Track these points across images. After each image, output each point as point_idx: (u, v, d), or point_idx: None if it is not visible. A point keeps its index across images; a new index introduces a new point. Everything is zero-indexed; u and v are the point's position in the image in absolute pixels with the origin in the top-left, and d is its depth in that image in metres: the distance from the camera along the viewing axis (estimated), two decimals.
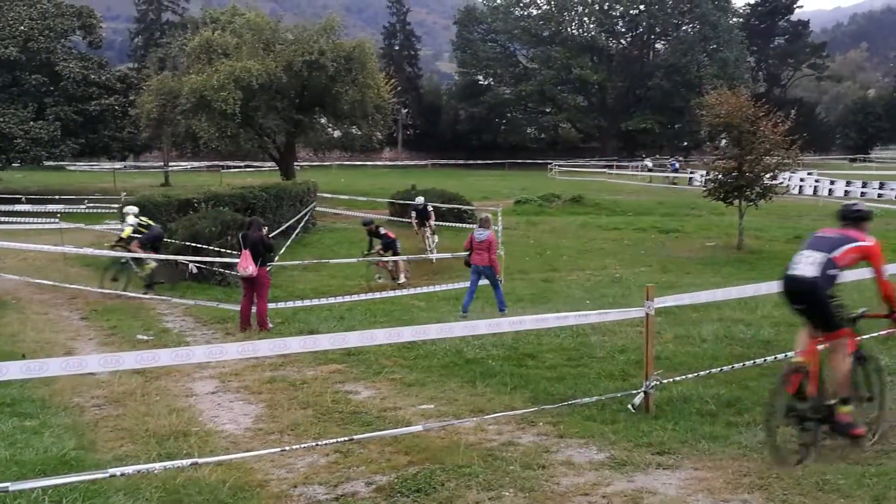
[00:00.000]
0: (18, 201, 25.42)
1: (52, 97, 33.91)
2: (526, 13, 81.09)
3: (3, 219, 21.75)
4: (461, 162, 68.42)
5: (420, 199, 22.51)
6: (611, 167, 57.82)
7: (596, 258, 21.41)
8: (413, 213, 22.29)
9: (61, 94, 33.99)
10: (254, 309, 11.91)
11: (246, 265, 11.76)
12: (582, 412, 7.08)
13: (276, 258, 17.06)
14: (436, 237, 21.57)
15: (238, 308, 12.23)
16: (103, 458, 6.11)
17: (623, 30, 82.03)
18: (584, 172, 55.51)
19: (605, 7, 78.87)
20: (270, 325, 11.75)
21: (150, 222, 15.98)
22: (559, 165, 59.26)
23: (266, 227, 12.93)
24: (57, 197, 27.34)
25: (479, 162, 68.10)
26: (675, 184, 46.57)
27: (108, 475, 5.28)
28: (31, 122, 32.29)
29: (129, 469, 5.46)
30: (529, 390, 7.96)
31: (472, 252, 13.54)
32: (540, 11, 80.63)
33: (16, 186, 37.19)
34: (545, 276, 18.59)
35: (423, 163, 68.99)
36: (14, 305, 13.49)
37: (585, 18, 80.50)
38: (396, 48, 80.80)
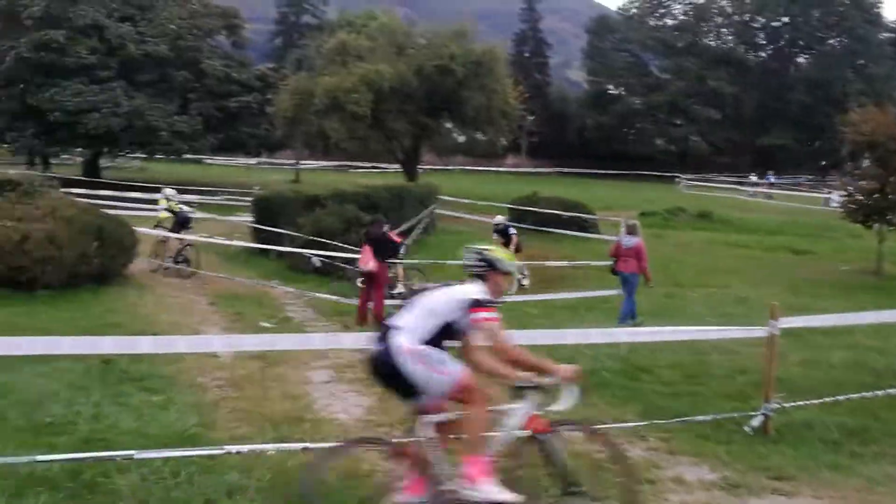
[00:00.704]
0: (159, 191, 26.88)
1: (196, 93, 35.69)
2: (661, 23, 79.42)
3: (144, 207, 23.07)
4: (585, 171, 67.59)
5: (499, 218, 20.01)
6: (742, 183, 55.96)
7: (721, 276, 20.67)
8: (494, 235, 19.20)
9: (204, 90, 35.72)
10: (371, 304, 12.16)
11: (367, 260, 12.03)
12: (695, 430, 6.84)
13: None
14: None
15: (356, 301, 12.52)
16: (221, 437, 6.37)
17: (763, 42, 79.01)
18: (713, 187, 53.80)
19: (746, 18, 76.20)
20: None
21: (182, 206, 17.55)
22: (687, 179, 57.65)
23: (388, 226, 13.15)
24: (195, 188, 28.74)
25: (604, 172, 67.10)
26: (772, 199, 45.32)
27: (224, 452, 5.52)
28: (176, 117, 34.08)
29: (244, 448, 5.68)
30: (642, 404, 7.77)
31: (618, 260, 13.35)
32: (676, 21, 78.79)
33: (158, 177, 39.38)
34: (667, 290, 18.08)
35: (547, 170, 68.52)
36: (150, 288, 14.27)
37: (724, 29, 78.06)
38: (526, 55, 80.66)
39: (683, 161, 73.12)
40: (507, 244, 16.99)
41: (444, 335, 4.72)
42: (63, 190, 16.72)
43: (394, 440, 5.09)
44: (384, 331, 4.74)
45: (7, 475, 5.34)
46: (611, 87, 79.34)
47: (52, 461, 5.38)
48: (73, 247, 13.19)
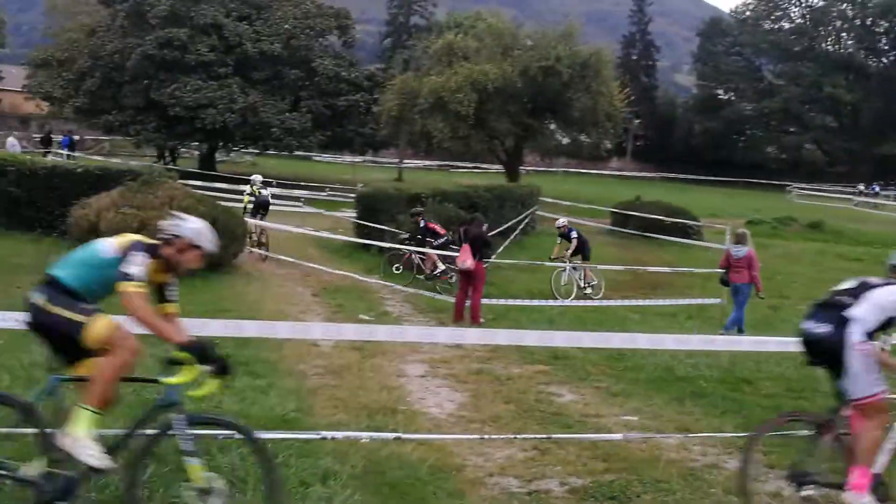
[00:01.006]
0: (269, 185, 27.81)
1: (307, 91, 36.66)
2: (777, 26, 76.65)
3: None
4: (691, 177, 65.97)
5: (562, 221, 17.88)
6: (849, 193, 53.71)
7: (831, 288, 19.85)
8: (559, 239, 17.73)
9: (315, 88, 36.65)
10: (468, 302, 12.26)
11: (465, 258, 12.15)
12: (797, 445, 6.63)
13: (493, 256, 17.38)
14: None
15: (452, 299, 12.65)
16: (318, 422, 6.57)
17: (886, 47, 75.20)
18: (826, 197, 51.63)
19: (868, 23, 72.72)
20: (482, 320, 12.03)
21: (261, 191, 18.32)
22: (799, 188, 55.50)
23: (486, 225, 13.22)
24: (302, 184, 29.57)
25: (711, 178, 65.32)
26: (876, 209, 43.31)
27: (320, 437, 5.70)
28: (287, 114, 35.10)
29: (340, 435, 5.86)
30: (741, 416, 7.57)
31: (728, 270, 13.11)
32: (793, 25, 75.91)
33: (268, 172, 40.64)
34: (772, 302, 17.51)
35: (652, 175, 67.23)
36: (258, 277, 14.80)
37: (843, 34, 74.70)
38: (634, 58, 79.34)
39: (795, 170, 70.36)
40: (575, 249, 16.55)
41: (882, 329, 5.03)
42: (180, 181, 17.44)
43: (822, 416, 5.27)
44: (837, 314, 4.98)
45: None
46: (720, 91, 77.17)
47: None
48: None
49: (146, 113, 34.69)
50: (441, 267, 15.51)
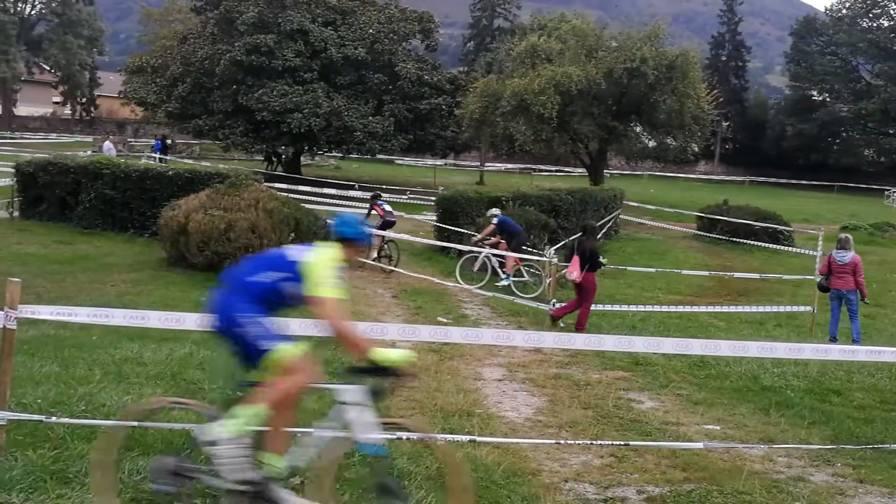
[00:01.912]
0: (352, 188, 28.29)
1: (390, 95, 37.03)
2: (875, 24, 73.54)
3: (338, 202, 24.27)
4: (783, 181, 63.98)
5: (494, 211, 16.82)
6: None
7: None
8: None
9: (398, 92, 36.99)
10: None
11: (572, 269, 11.99)
12: (890, 459, 6.34)
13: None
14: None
15: (534, 304, 12.58)
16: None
17: None
18: None
19: None
20: (584, 330, 11.77)
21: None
22: None
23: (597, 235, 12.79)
24: (384, 187, 29.90)
25: (804, 182, 63.22)
26: None
27: (396, 437, 5.72)
28: (370, 118, 35.54)
29: (415, 436, 5.86)
30: (830, 428, 7.29)
31: (829, 276, 12.71)
32: (892, 23, 72.69)
33: (351, 175, 41.29)
34: (868, 311, 16.78)
35: (741, 179, 65.48)
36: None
37: None
38: (723, 59, 77.39)
39: (894, 173, 67.45)
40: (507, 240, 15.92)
41: None
42: (266, 184, 17.85)
43: None
44: None
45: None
46: (814, 92, 74.48)
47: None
48: (272, 237, 14.11)
49: (234, 117, 35.63)
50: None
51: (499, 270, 15.66)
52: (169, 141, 40.74)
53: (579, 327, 11.79)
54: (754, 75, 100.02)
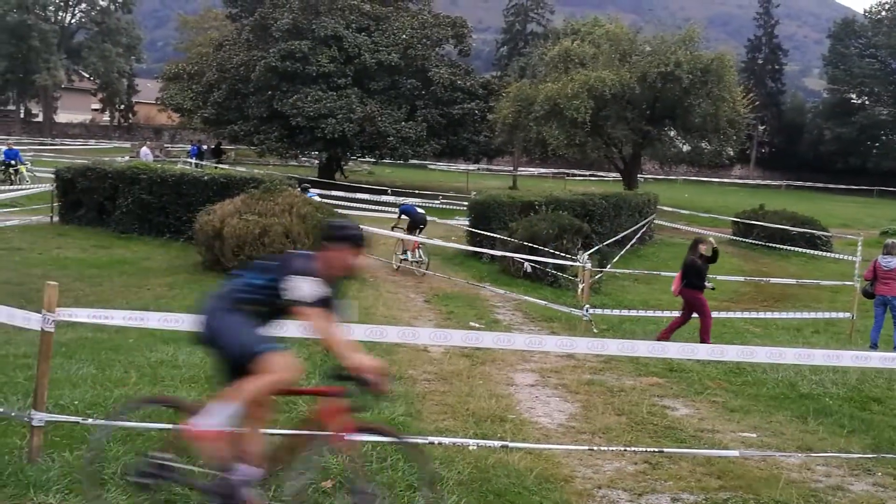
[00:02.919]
0: (385, 192, 28.40)
1: (423, 100, 37.12)
2: None
3: (371, 207, 24.38)
4: (820, 185, 63.05)
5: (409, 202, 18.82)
6: None
7: None
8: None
9: (430, 97, 37.06)
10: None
11: (674, 285, 11.80)
12: None
13: (609, 266, 17.09)
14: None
15: (565, 308, 12.50)
16: (426, 427, 6.60)
17: None
18: None
19: None
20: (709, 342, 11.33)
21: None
22: None
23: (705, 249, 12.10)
24: (416, 192, 29.97)
25: (842, 187, 62.26)
26: None
27: (428, 442, 5.71)
28: (403, 123, 35.67)
29: (447, 440, 5.86)
30: (870, 436, 7.15)
31: (874, 282, 12.50)
32: None
33: (384, 180, 41.44)
34: None
35: (777, 183, 64.65)
36: (371, 283, 15.04)
37: None
38: (760, 62, 76.48)
39: None
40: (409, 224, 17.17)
41: None
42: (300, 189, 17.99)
43: None
44: None
45: None
46: (853, 95, 73.26)
47: (272, 435, 5.83)
48: (306, 242, 14.20)
49: (269, 123, 35.96)
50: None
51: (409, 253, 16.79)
52: (205, 147, 41.17)
53: (704, 338, 11.40)
54: (791, 78, 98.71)
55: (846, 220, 35.07)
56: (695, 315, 11.73)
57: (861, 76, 71.35)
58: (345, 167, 44.36)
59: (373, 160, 44.53)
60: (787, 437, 7.06)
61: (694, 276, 11.63)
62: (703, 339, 11.36)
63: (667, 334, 11.55)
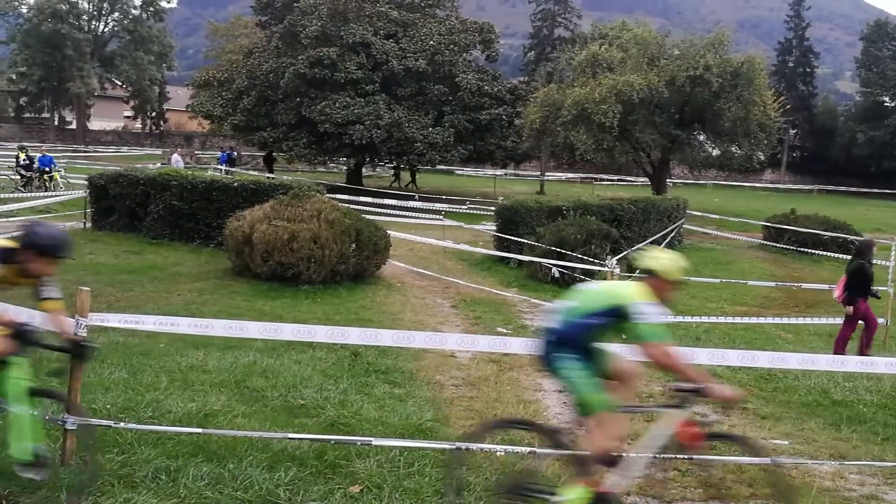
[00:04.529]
0: (412, 198, 28.45)
1: (450, 106, 37.16)
2: None
3: (398, 213, 24.43)
4: (853, 189, 62.20)
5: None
6: None
7: None
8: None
9: (458, 103, 37.09)
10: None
11: (837, 291, 11.43)
12: None
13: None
14: None
15: None
16: (453, 433, 6.59)
17: None
18: None
19: None
20: (844, 351, 11.14)
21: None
22: None
23: (871, 255, 11.71)
24: (443, 197, 29.99)
25: (876, 191, 61.34)
26: None
27: (455, 447, 5.71)
28: (430, 129, 35.73)
29: (475, 446, 5.84)
30: None
31: None
32: None
33: (410, 186, 41.51)
34: None
35: (808, 187, 63.89)
36: (399, 288, 15.08)
37: None
38: (790, 65, 75.73)
39: None
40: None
41: None
42: (328, 195, 18.05)
43: None
44: None
45: (263, 449, 5.90)
46: (886, 98, 72.21)
47: (301, 440, 5.87)
48: (334, 247, 14.28)
49: (298, 129, 36.19)
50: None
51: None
52: (235, 153, 41.57)
53: (836, 348, 11.26)
54: (823, 82, 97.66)
55: (879, 224, 34.55)
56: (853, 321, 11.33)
57: (894, 79, 70.33)
58: (416, 178, 44.39)
59: (401, 166, 44.64)
60: (819, 445, 6.97)
61: (860, 282, 11.16)
62: (863, 351, 10.94)
63: (841, 349, 11.15)
